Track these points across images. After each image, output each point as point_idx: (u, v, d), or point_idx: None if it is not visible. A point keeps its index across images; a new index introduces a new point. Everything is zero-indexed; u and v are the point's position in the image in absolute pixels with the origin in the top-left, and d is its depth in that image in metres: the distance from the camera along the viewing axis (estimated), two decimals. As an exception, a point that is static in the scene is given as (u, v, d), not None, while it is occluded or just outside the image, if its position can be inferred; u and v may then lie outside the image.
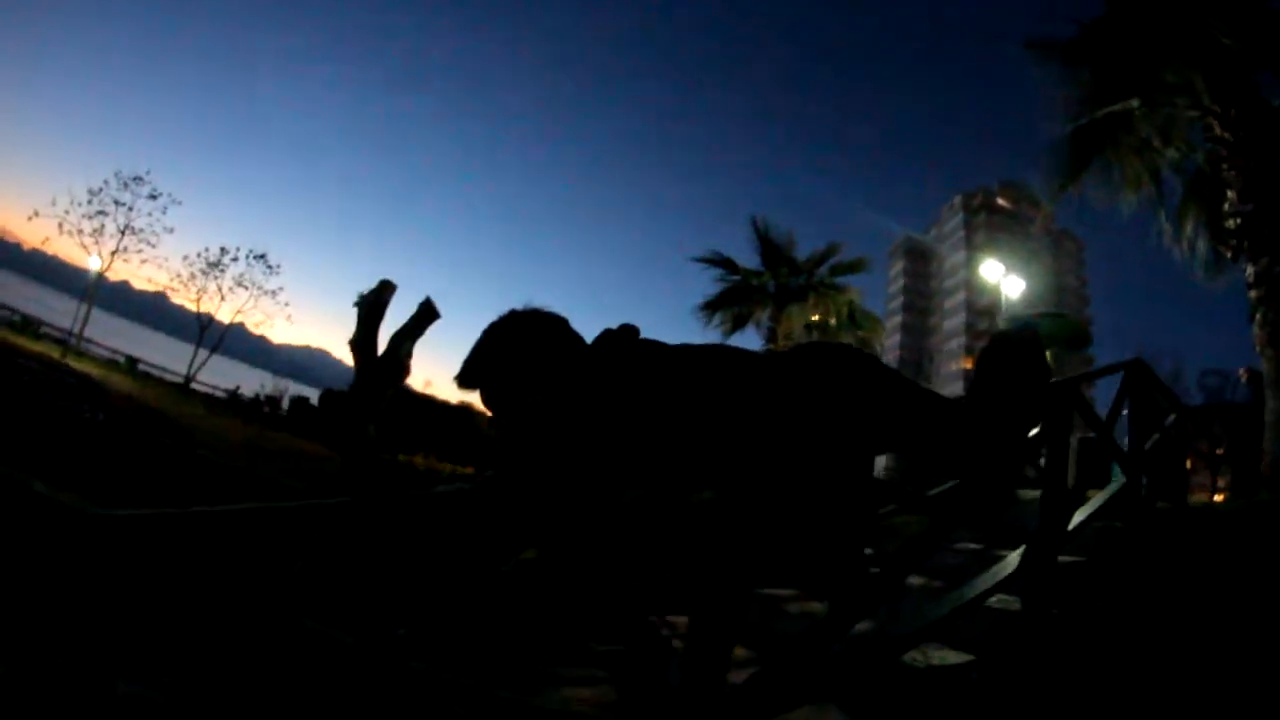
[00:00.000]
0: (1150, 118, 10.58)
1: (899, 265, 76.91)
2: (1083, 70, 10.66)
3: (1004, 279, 22.90)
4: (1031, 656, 3.37)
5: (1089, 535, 4.30)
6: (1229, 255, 9.59)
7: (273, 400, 28.76)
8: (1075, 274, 66.42)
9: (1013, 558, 3.47)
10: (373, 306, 10.52)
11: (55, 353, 25.50)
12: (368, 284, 10.88)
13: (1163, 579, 4.24)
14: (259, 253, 35.59)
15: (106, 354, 32.61)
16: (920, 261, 76.26)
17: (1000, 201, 69.67)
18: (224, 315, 35.58)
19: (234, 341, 35.91)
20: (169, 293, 35.26)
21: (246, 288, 35.19)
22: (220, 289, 34.80)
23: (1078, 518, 4.00)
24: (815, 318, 21.18)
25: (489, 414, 1.84)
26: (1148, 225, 11.40)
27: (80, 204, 32.45)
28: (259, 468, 12.80)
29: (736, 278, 21.55)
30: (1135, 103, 10.47)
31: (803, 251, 21.67)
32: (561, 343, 1.81)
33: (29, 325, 31.63)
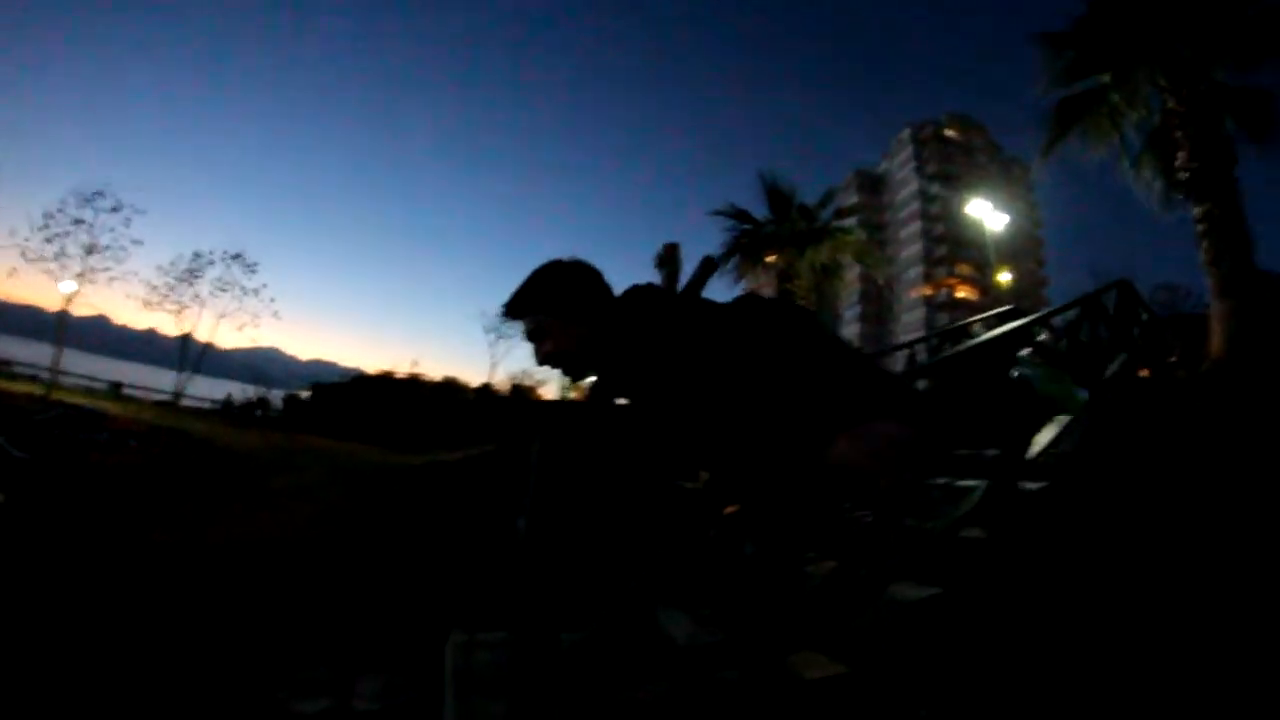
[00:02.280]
0: (1119, 89, 13.79)
1: (852, 199, 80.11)
2: (1068, 52, 13.83)
3: (989, 215, 25.86)
4: (995, 586, 3.60)
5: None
6: (1182, 197, 12.94)
7: (263, 402, 30.07)
8: (1025, 199, 70.50)
9: (975, 494, 3.94)
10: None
11: (38, 390, 25.28)
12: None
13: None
14: (234, 252, 35.36)
15: (84, 384, 31.79)
16: (872, 194, 79.28)
17: (949, 132, 73.22)
18: (207, 321, 35.42)
19: (175, 352, 35.00)
20: (146, 307, 34.35)
21: (227, 289, 34.93)
22: (199, 296, 34.47)
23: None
24: (824, 260, 23.34)
25: (533, 346, 2.03)
26: (1102, 167, 14.75)
27: (38, 228, 31.15)
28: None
29: (747, 226, 23.87)
30: (1106, 78, 13.71)
31: (805, 197, 24.15)
32: (599, 288, 2.03)
33: (3, 370, 30.63)
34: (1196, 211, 12.29)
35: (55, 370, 29.31)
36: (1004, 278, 52.51)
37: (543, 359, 2.03)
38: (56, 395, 24.04)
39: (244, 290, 35.14)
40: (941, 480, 4.63)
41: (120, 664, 4.18)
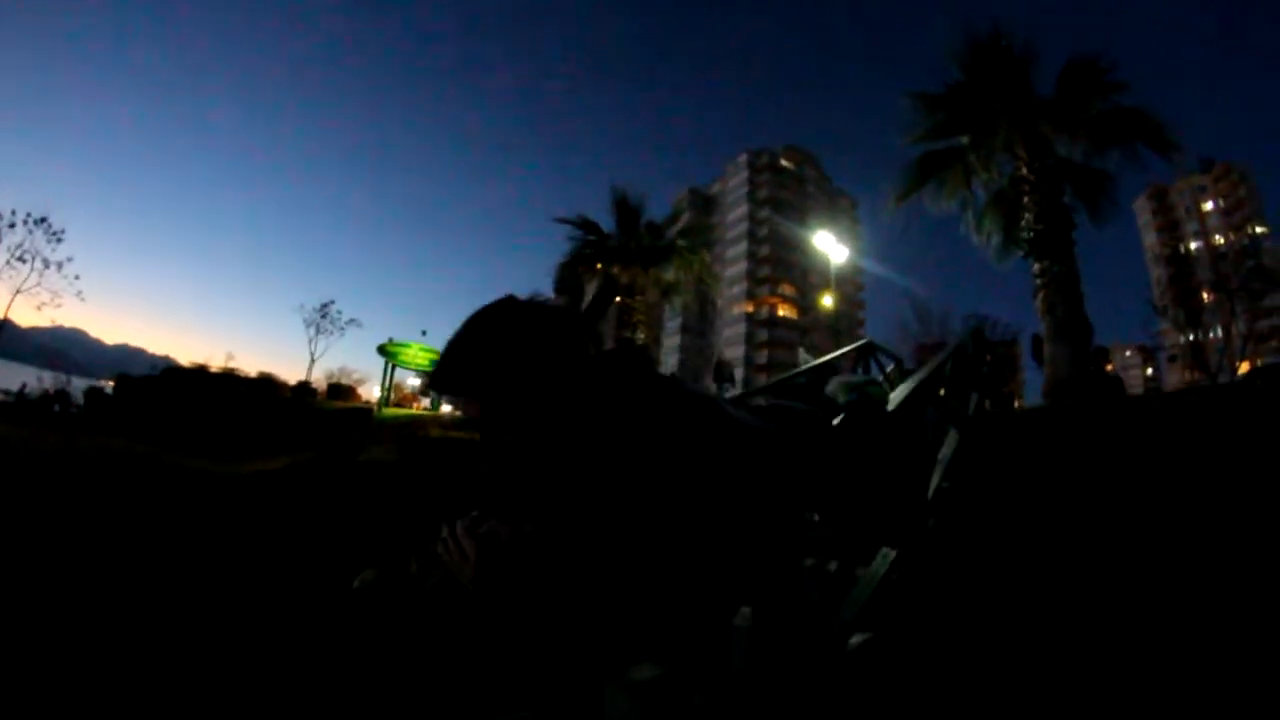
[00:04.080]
0: (976, 151, 15.70)
1: (685, 216, 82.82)
2: (939, 114, 15.57)
3: (833, 247, 28.12)
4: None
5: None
6: (1023, 253, 14.93)
7: (62, 395, 26.54)
8: (850, 229, 75.71)
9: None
10: None
11: None
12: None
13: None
14: (38, 216, 31.36)
15: None
16: (704, 212, 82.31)
17: (784, 162, 77.73)
18: (0, 296, 30.97)
19: None
20: None
21: (27, 260, 31.20)
22: None
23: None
24: (670, 277, 24.57)
25: (477, 423, 1.52)
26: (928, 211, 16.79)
27: None
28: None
29: (593, 238, 24.37)
30: (966, 139, 15.60)
31: (650, 215, 25.04)
32: (569, 348, 1.48)
33: None
34: (1036, 267, 14.29)
35: None
36: (827, 301, 56.74)
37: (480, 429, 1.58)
38: None
39: (46, 263, 31.32)
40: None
41: None
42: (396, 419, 22.99)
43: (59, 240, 31.55)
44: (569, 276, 24.02)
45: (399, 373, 30.49)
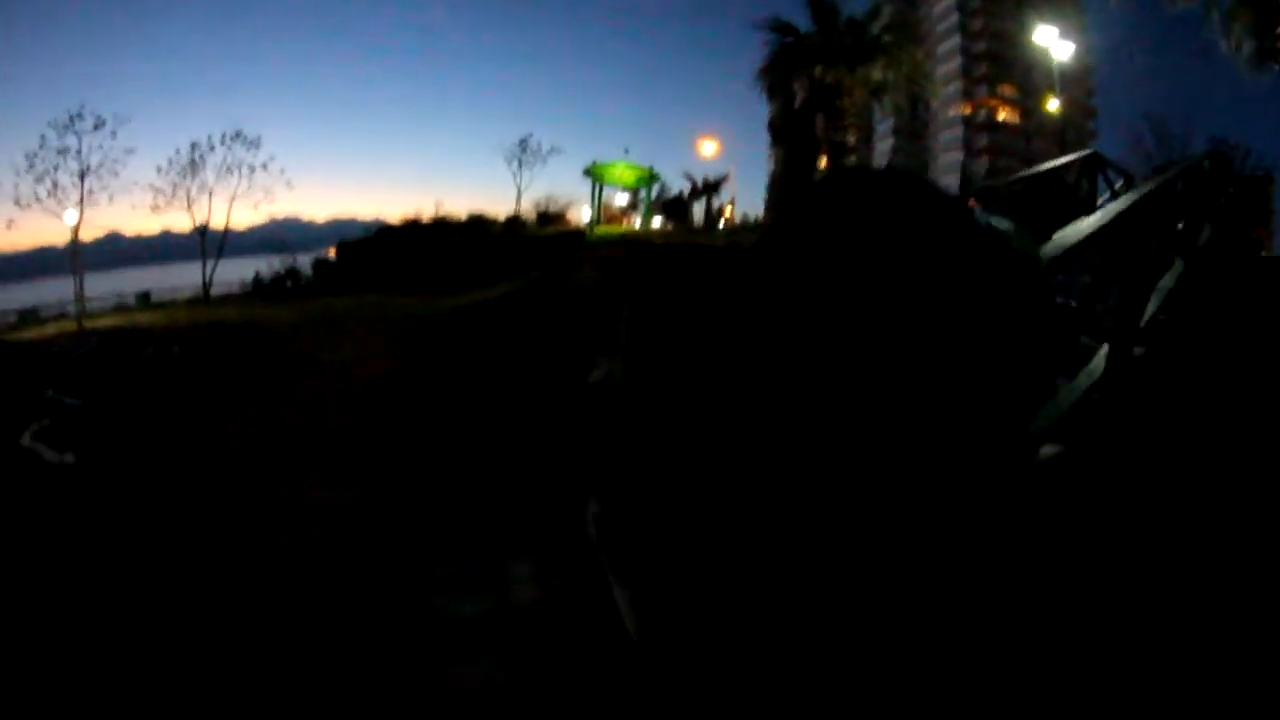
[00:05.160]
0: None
1: (885, 10, 75.94)
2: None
3: (1055, 43, 25.40)
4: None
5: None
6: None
7: (292, 272, 29.60)
8: (1076, 23, 66.43)
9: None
10: None
11: (70, 326, 23.94)
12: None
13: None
14: (232, 132, 33.19)
15: (114, 303, 30.46)
16: (907, 5, 75.26)
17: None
18: (220, 208, 34.19)
19: (192, 246, 33.31)
20: (155, 211, 33.36)
21: (234, 171, 33.38)
22: (206, 185, 33.06)
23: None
24: (877, 76, 23.20)
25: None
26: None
27: (25, 170, 29.57)
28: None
29: (789, 40, 23.27)
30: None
31: (850, 10, 23.45)
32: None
33: (30, 317, 29.17)
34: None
35: (81, 300, 28.72)
36: (1051, 105, 50.89)
37: None
38: (89, 324, 23.23)
39: (251, 168, 33.51)
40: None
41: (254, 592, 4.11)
42: (608, 237, 24.04)
43: (256, 147, 33.63)
44: (777, 83, 23.18)
45: (606, 191, 31.65)
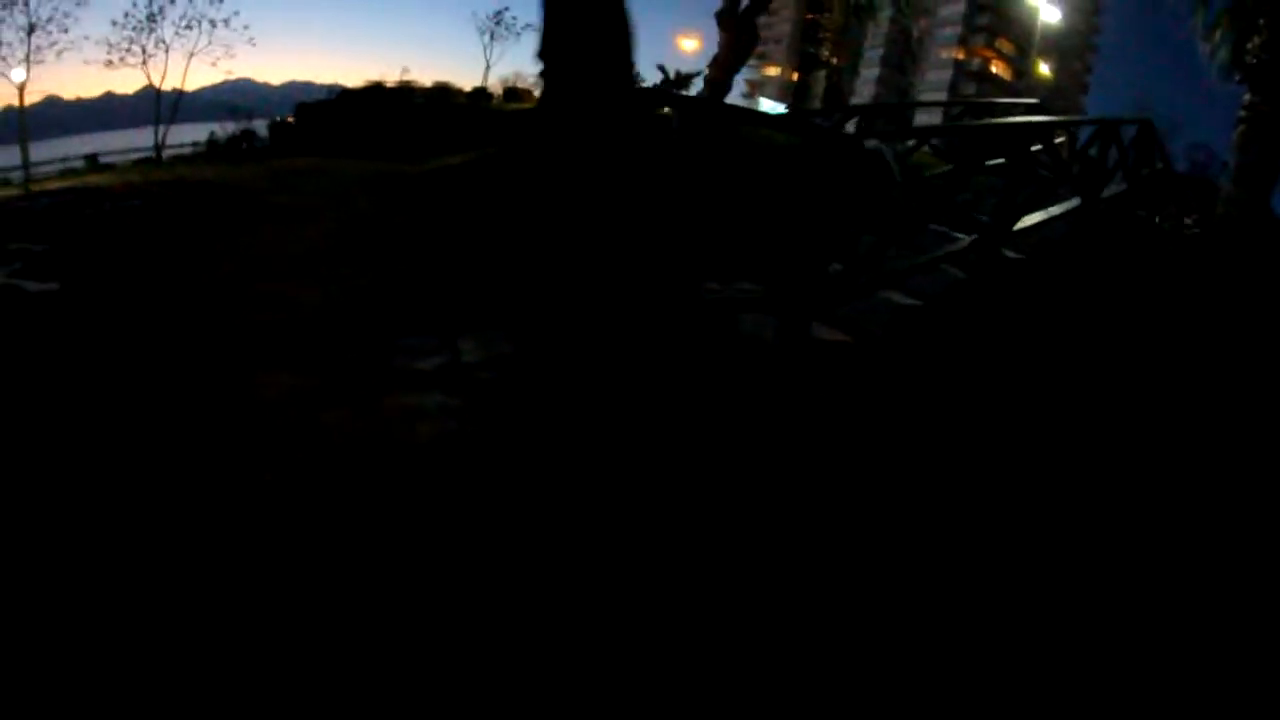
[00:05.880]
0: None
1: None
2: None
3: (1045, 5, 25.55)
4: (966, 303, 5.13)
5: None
6: (1238, 80, 13.80)
7: (248, 134, 28.25)
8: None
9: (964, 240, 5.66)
10: None
11: (14, 190, 22.24)
12: None
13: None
14: None
15: (58, 168, 28.97)
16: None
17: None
18: (176, 66, 32.33)
19: (137, 109, 32.79)
20: (108, 66, 32.61)
21: (193, 26, 32.73)
22: (163, 41, 32.30)
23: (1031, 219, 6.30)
24: None
25: None
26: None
27: None
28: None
29: None
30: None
31: None
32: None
33: None
34: (1246, 99, 13.25)
35: (27, 166, 27.74)
36: (1044, 69, 51.14)
37: None
38: (35, 189, 21.40)
39: (213, 23, 33.01)
40: (938, 228, 6.38)
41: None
42: None
43: (220, 1, 32.86)
44: None
45: None
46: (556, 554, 2.75)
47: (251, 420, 3.70)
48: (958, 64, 66.95)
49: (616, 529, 2.92)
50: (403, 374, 4.38)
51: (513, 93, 33.42)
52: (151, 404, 3.87)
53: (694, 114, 6.14)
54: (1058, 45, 61.76)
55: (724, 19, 17.97)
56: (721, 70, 18.34)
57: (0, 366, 4.38)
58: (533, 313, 4.99)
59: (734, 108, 15.35)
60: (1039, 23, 54.40)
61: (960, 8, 67.47)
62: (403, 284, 6.32)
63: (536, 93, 32.86)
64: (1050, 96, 52.28)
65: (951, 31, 67.42)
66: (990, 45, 66.50)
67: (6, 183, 26.23)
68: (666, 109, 7.04)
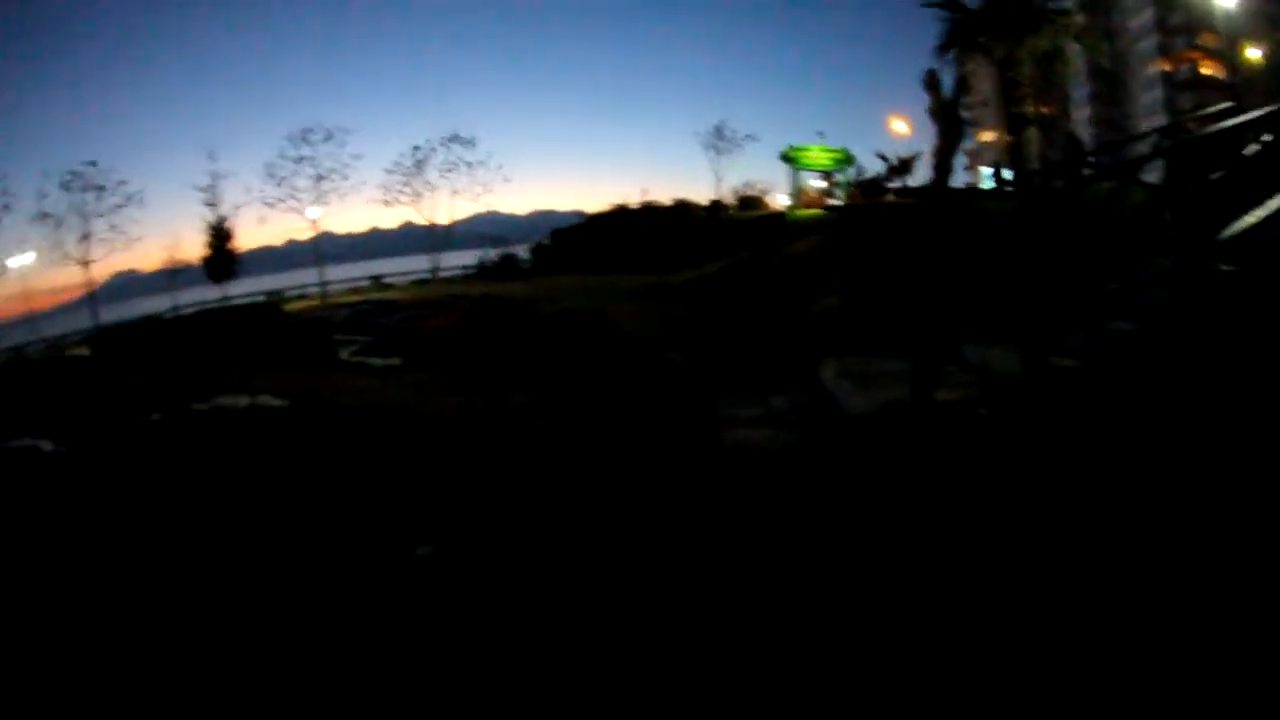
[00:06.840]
0: None
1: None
2: None
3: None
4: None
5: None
6: None
7: (510, 257, 33.11)
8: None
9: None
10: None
11: (315, 302, 29.80)
12: None
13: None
14: (449, 136, 40.29)
15: (346, 287, 36.28)
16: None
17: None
18: (442, 202, 40.30)
19: (397, 242, 41.20)
20: (386, 205, 41.01)
21: (453, 169, 40.30)
22: (429, 182, 40.07)
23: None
24: (1045, 47, 23.40)
25: None
26: None
27: (260, 184, 37.65)
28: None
29: (959, 16, 24.05)
30: None
31: None
32: None
33: (276, 298, 33.70)
34: None
35: (324, 284, 35.67)
36: (1252, 54, 46.02)
37: None
38: (334, 301, 28.23)
39: (469, 165, 40.49)
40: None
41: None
42: (807, 219, 25.29)
43: (473, 145, 40.81)
44: (930, 80, 25.13)
45: (802, 175, 33.25)
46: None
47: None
48: (1166, 76, 61.92)
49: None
50: (729, 419, 6.43)
51: (747, 201, 36.02)
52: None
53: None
54: (1251, 25, 55.36)
55: (933, 113, 20.61)
56: (942, 155, 20.64)
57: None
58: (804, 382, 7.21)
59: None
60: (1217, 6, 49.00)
61: (1150, 14, 63.02)
62: (706, 361, 9.06)
63: (768, 199, 36.20)
64: (1272, 81, 46.89)
65: (1148, 44, 62.91)
66: (1192, 45, 61.26)
67: (303, 297, 34.00)
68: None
